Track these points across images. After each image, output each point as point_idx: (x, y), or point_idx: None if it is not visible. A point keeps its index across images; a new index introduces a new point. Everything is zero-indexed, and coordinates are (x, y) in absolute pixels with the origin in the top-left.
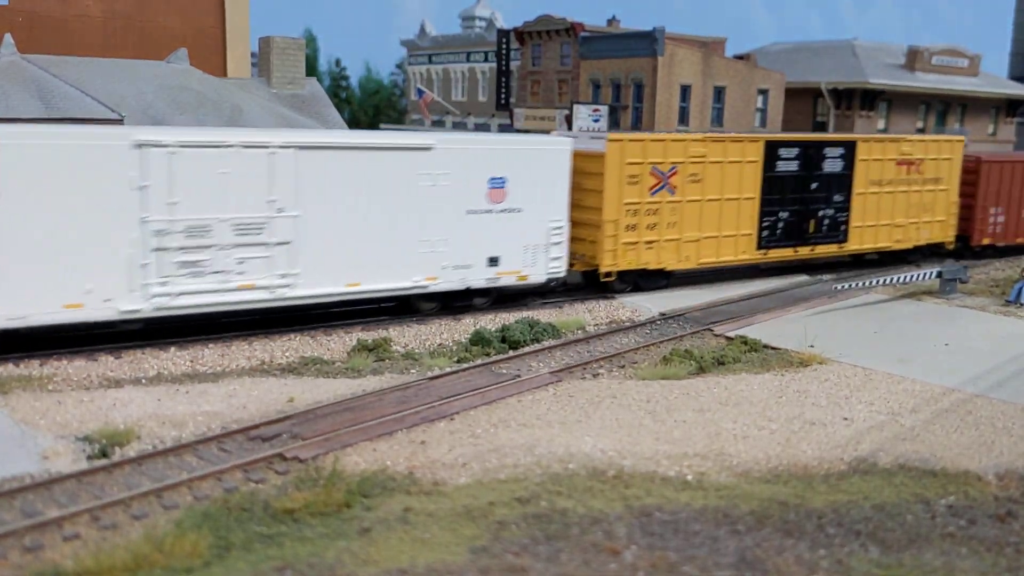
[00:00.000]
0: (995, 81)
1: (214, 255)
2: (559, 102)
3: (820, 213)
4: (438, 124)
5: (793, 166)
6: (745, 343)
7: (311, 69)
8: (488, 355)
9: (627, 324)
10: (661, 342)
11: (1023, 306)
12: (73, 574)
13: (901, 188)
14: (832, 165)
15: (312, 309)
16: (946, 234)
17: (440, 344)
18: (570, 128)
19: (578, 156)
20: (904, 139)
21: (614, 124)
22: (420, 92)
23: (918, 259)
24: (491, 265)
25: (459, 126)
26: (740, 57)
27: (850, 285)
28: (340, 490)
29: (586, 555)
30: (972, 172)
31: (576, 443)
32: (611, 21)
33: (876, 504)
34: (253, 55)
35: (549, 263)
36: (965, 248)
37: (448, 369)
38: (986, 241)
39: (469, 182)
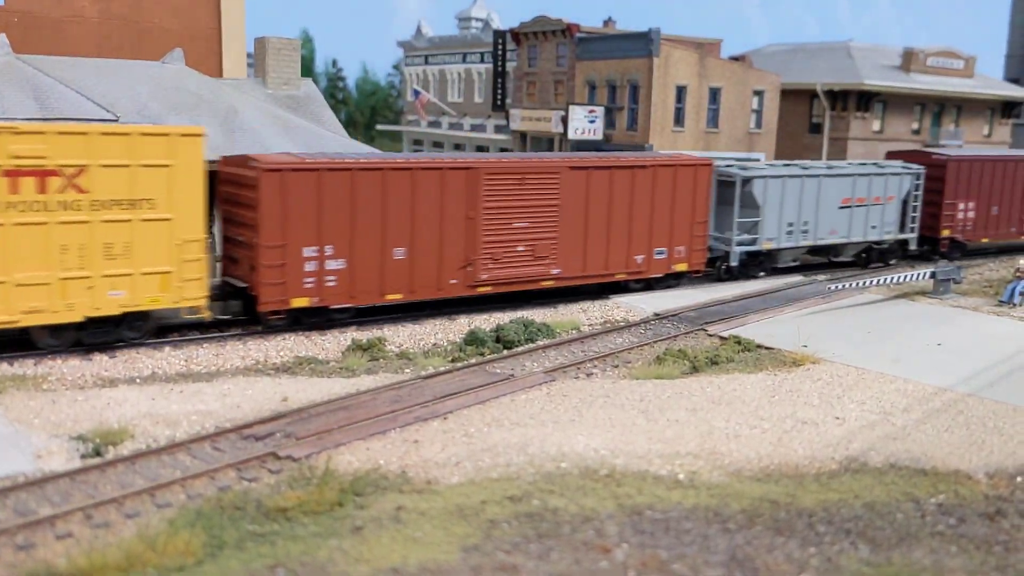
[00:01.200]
0: (990, 83)
1: None
2: (555, 103)
3: None
4: (434, 125)
5: None
6: (739, 343)
7: (307, 70)
8: (482, 355)
9: (621, 324)
10: (655, 342)
11: (1016, 306)
12: (66, 573)
13: (22, 219)
14: None
15: None
16: (196, 294)
17: (434, 344)
18: (565, 130)
19: None
20: (16, 130)
21: (610, 125)
22: (416, 93)
23: (138, 336)
24: None
25: (455, 127)
26: (736, 58)
27: (844, 285)
28: (333, 489)
29: (577, 553)
30: (248, 186)
31: (569, 442)
32: (607, 22)
33: (867, 503)
34: (249, 56)
35: None
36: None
37: (442, 369)
38: (301, 302)
39: None
